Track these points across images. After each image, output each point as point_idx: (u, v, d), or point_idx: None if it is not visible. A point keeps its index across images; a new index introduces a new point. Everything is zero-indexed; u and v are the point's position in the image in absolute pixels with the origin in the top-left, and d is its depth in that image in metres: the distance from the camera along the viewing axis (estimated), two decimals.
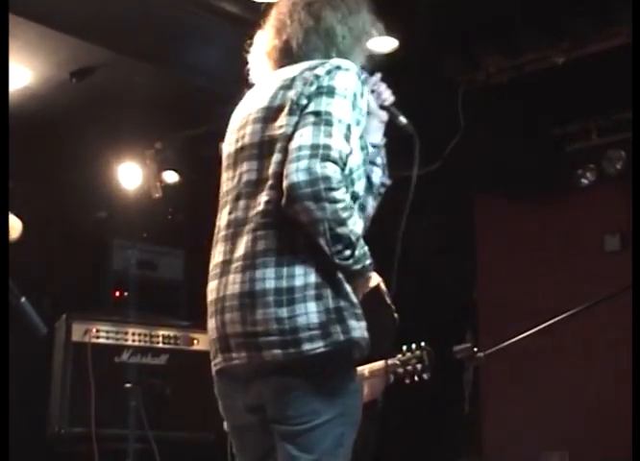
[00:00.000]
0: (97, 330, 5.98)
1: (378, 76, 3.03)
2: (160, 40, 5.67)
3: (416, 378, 4.11)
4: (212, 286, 2.72)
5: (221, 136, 2.97)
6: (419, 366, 4.11)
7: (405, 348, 4.18)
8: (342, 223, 2.51)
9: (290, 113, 2.64)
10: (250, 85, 3.00)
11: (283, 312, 2.51)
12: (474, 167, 6.95)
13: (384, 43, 5.81)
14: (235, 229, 2.69)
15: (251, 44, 3.06)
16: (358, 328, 2.56)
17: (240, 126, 2.82)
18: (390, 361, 4.18)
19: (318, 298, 2.53)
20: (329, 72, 2.68)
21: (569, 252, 7.07)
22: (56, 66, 5.90)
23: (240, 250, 2.64)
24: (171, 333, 6.25)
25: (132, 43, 5.54)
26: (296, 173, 2.48)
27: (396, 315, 4.45)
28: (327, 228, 2.49)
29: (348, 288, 2.59)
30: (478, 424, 7.06)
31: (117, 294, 6.53)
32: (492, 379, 6.87)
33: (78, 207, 6.72)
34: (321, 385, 2.55)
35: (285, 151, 2.58)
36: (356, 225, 2.56)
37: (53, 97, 6.14)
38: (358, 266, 2.59)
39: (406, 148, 2.94)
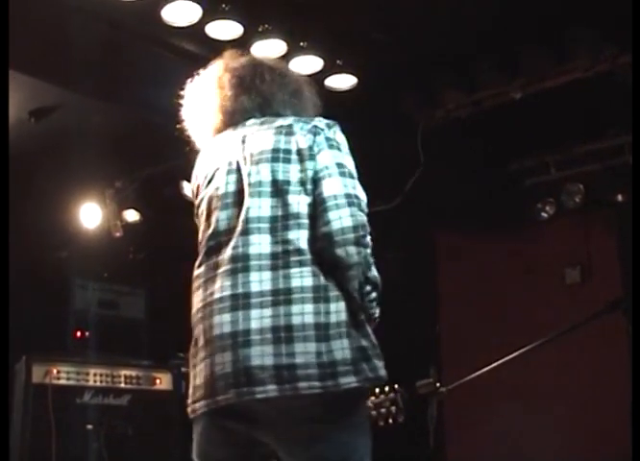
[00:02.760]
0: (58, 372, 5.90)
1: None
2: (118, 79, 5.67)
3: (390, 421, 4.06)
4: (220, 320, 2.67)
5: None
6: (393, 408, 4.06)
7: (377, 390, 4.12)
8: (371, 267, 2.73)
9: (309, 158, 2.77)
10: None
11: (322, 347, 2.58)
12: (434, 202, 6.98)
13: (344, 80, 5.86)
14: (247, 263, 2.70)
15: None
16: (382, 368, 2.69)
17: (232, 169, 2.87)
18: None
19: (349, 336, 2.63)
20: (329, 127, 2.85)
21: (530, 285, 7.09)
22: (14, 106, 5.87)
23: (266, 285, 2.65)
24: (133, 373, 6.18)
25: (90, 83, 5.54)
26: (340, 220, 2.67)
27: None
28: (361, 272, 2.69)
29: (369, 329, 2.71)
30: (444, 458, 7.04)
31: (78, 334, 6.46)
32: (457, 413, 6.85)
33: (38, 247, 6.66)
34: (351, 421, 2.64)
35: (308, 193, 2.73)
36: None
37: (11, 137, 6.09)
38: (376, 310, 2.80)
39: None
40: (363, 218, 2.70)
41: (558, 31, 5.66)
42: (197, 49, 5.48)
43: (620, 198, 6.58)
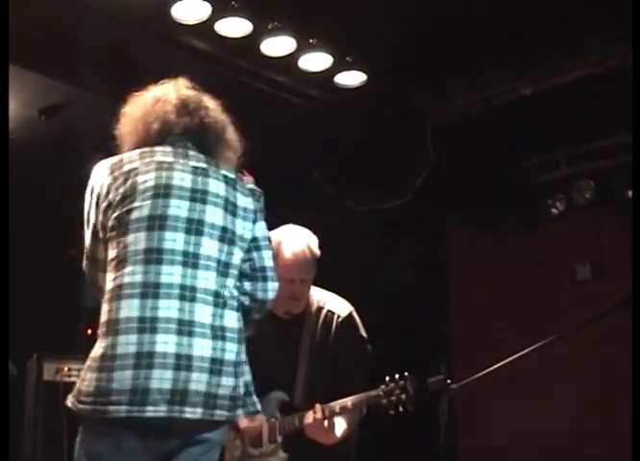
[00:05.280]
0: (69, 369, 5.91)
1: None
2: (129, 77, 5.66)
3: (400, 409, 4.02)
4: (166, 339, 2.79)
5: None
6: (403, 396, 4.00)
7: (388, 378, 4.07)
8: None
9: (253, 221, 3.02)
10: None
11: (237, 382, 2.88)
12: (444, 199, 6.97)
13: (353, 77, 5.85)
14: (195, 294, 2.87)
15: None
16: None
17: (178, 194, 3.00)
18: (373, 392, 4.09)
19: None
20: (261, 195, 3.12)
21: (541, 282, 7.09)
22: (24, 104, 5.88)
23: (207, 318, 2.86)
24: None
25: (100, 80, 5.54)
26: (271, 292, 3.06)
27: (369, 347, 4.41)
28: None
29: None
30: (454, 455, 7.03)
31: (89, 332, 6.47)
32: (468, 410, 6.85)
33: (47, 244, 6.67)
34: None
35: (244, 251, 2.99)
36: None
37: (21, 135, 6.11)
38: None
39: None
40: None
41: (569, 26, 5.64)
42: (207, 47, 5.48)
43: (630, 194, 6.56)
